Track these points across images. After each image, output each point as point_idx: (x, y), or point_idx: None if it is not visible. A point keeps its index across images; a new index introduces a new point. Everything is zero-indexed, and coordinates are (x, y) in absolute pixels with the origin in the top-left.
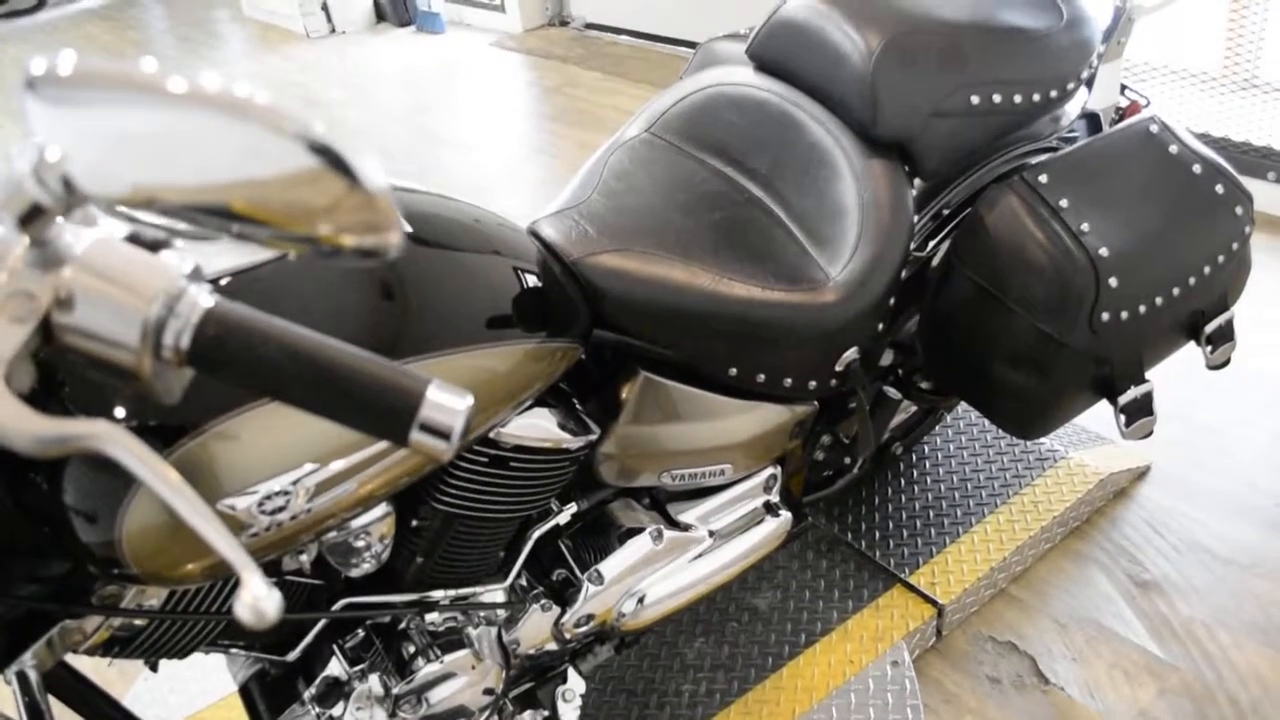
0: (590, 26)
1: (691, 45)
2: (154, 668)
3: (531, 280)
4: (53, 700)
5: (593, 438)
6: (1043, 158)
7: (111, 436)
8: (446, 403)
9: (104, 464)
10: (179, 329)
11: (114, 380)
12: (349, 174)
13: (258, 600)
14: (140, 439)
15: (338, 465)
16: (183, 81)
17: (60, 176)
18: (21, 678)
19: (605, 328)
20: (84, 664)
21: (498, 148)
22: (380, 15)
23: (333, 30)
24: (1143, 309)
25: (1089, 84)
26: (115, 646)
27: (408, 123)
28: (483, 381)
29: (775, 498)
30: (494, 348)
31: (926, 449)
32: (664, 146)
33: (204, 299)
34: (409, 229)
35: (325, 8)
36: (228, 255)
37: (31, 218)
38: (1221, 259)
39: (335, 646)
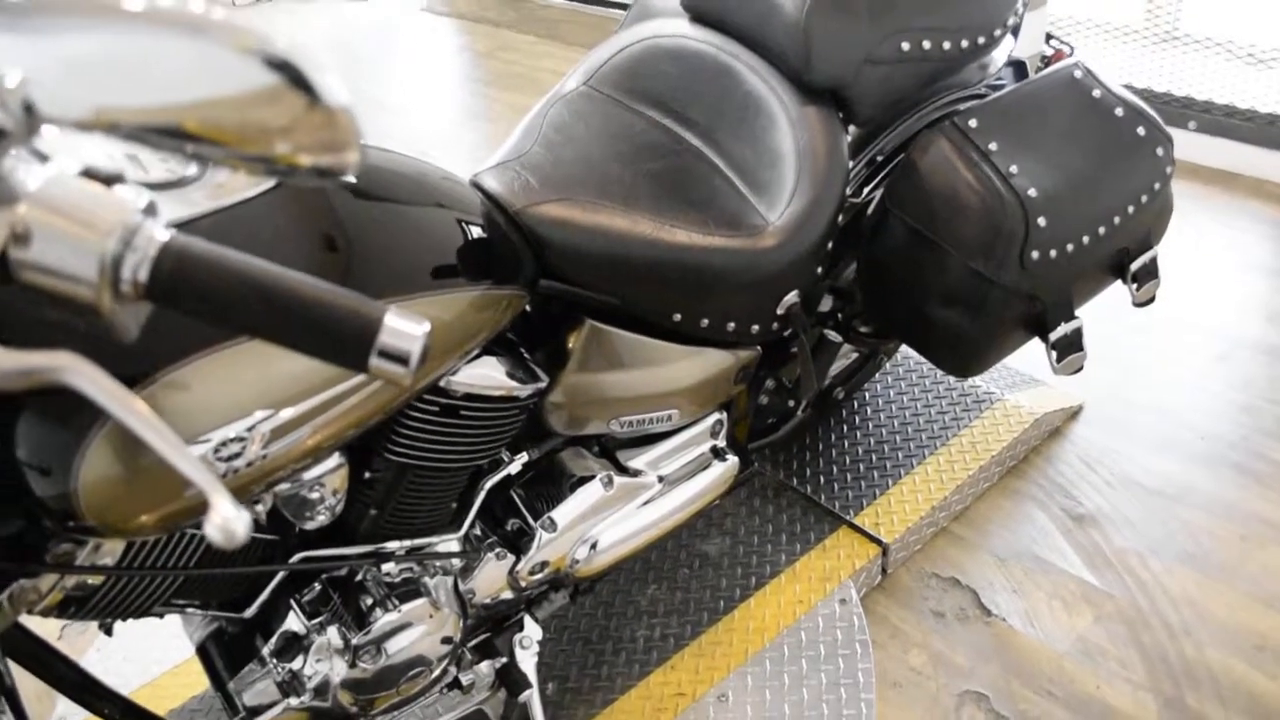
0: None
1: (624, 7)
2: (108, 631)
3: (475, 230)
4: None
5: (541, 385)
6: (972, 104)
7: (74, 367)
8: (404, 328)
9: (57, 415)
10: (136, 262)
11: (73, 317)
12: (310, 91)
13: (227, 520)
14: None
15: (292, 411)
16: (140, 1)
17: (21, 101)
18: None
19: (550, 277)
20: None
21: (432, 113)
22: None
23: None
24: (1070, 247)
25: (1015, 32)
26: (71, 607)
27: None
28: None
29: (722, 443)
30: (440, 295)
31: (867, 395)
32: (602, 99)
33: (160, 232)
34: (352, 180)
35: None
36: (171, 207)
37: None
38: (1145, 199)
39: (292, 601)
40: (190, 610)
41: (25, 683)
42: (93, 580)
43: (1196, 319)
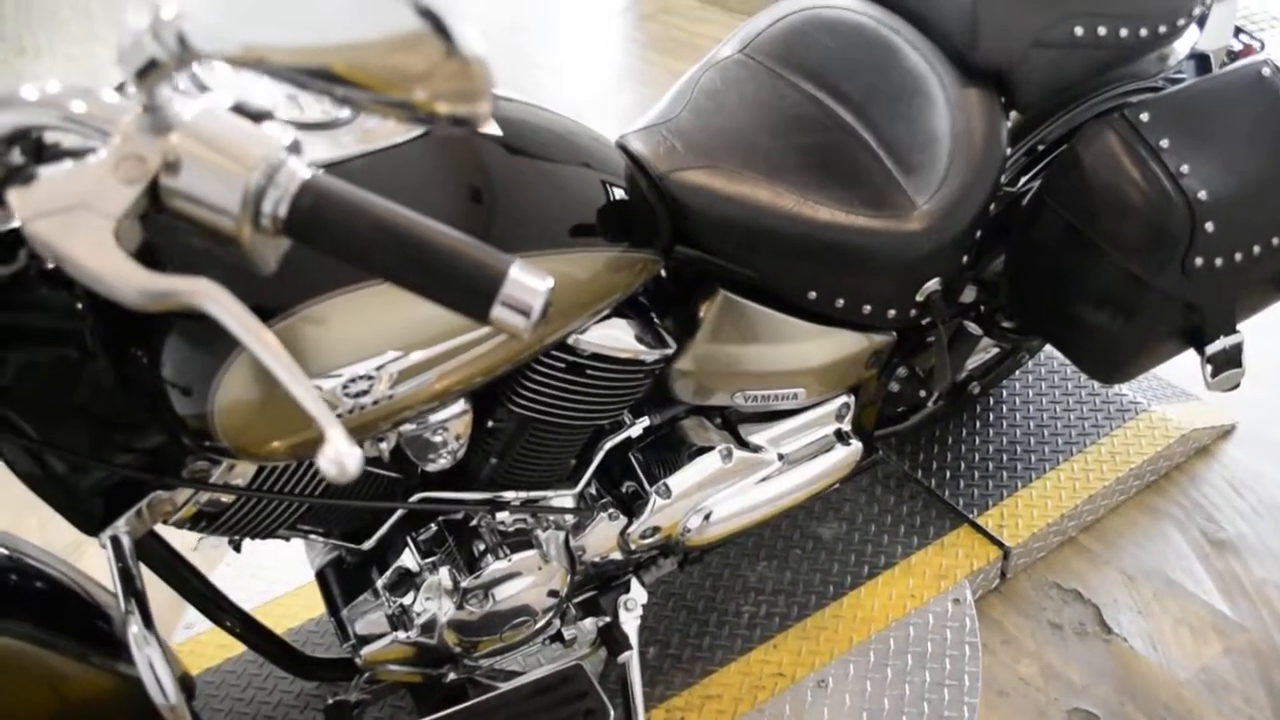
0: None
1: None
2: (238, 548)
3: (617, 192)
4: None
5: (668, 352)
6: (1146, 96)
7: (211, 294)
8: (528, 282)
9: (200, 338)
10: (278, 198)
11: (214, 246)
12: (448, 39)
13: (340, 455)
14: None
15: (421, 355)
16: None
17: (175, 33)
18: (115, 542)
19: (687, 244)
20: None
21: (590, 72)
22: None
23: None
24: (1239, 257)
25: (1201, 23)
26: (202, 521)
27: (502, 41)
28: (562, 286)
29: (847, 426)
30: (576, 253)
31: (1004, 392)
32: (757, 68)
33: (302, 170)
34: (500, 133)
35: None
36: (321, 147)
37: (147, 72)
38: None
39: (409, 538)
40: (313, 537)
41: (156, 590)
42: (224, 498)
43: None
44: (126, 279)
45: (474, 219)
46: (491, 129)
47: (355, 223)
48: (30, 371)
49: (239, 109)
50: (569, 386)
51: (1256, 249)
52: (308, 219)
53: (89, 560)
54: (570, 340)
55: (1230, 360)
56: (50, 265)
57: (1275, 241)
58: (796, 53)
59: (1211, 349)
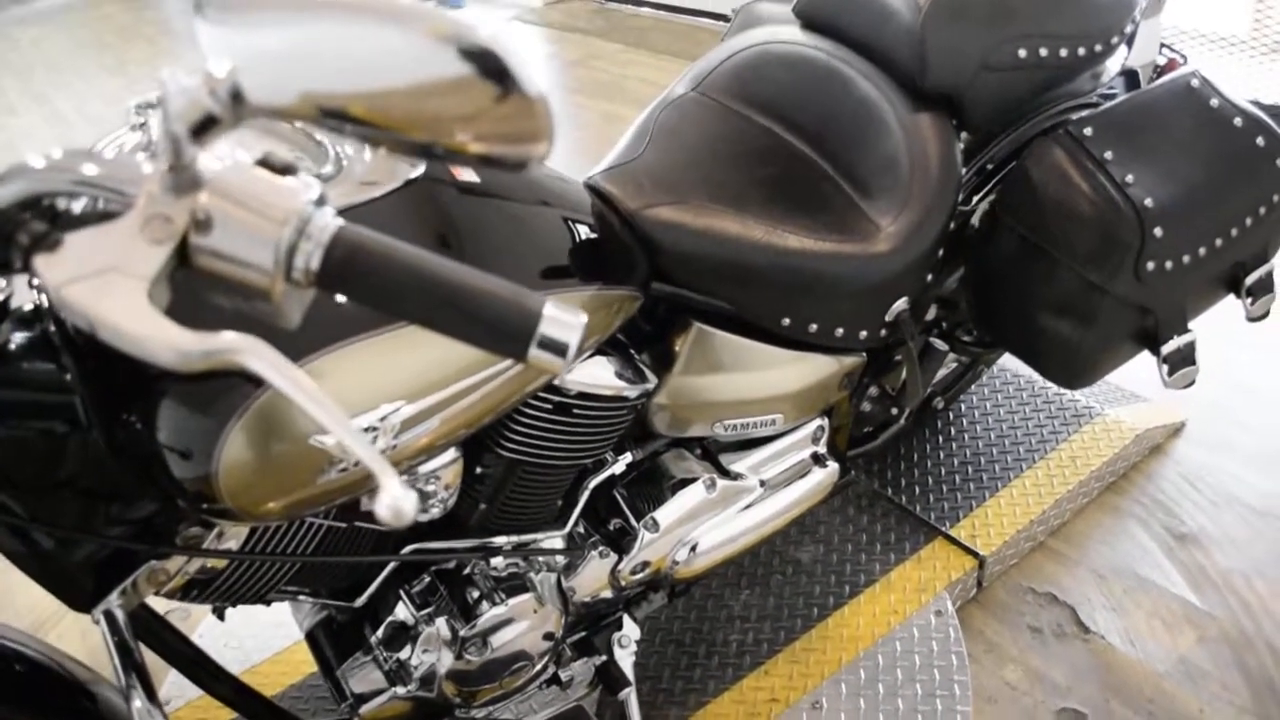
0: None
1: (714, 16)
2: (221, 615)
3: (592, 232)
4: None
5: (650, 386)
6: (1086, 112)
7: (255, 349)
8: (563, 319)
9: (200, 399)
10: (310, 251)
11: (242, 302)
12: (507, 81)
13: (396, 500)
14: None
15: (422, 404)
16: None
17: (230, 88)
18: (109, 617)
19: (661, 279)
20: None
21: None
22: None
23: None
24: (1186, 259)
25: (1129, 41)
26: (194, 590)
27: None
28: None
29: (823, 449)
30: (561, 294)
31: (964, 406)
32: (712, 105)
33: (332, 222)
34: (478, 179)
35: None
36: None
37: (205, 128)
38: (1263, 211)
39: (402, 591)
40: (302, 598)
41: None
42: (215, 564)
43: None
44: (167, 340)
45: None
46: (469, 175)
47: (389, 270)
48: (15, 448)
49: (265, 162)
50: (556, 427)
51: (1202, 250)
52: (341, 270)
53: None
54: (556, 381)
55: (1185, 359)
56: (33, 335)
57: (1219, 242)
58: (750, 88)
59: (1167, 349)
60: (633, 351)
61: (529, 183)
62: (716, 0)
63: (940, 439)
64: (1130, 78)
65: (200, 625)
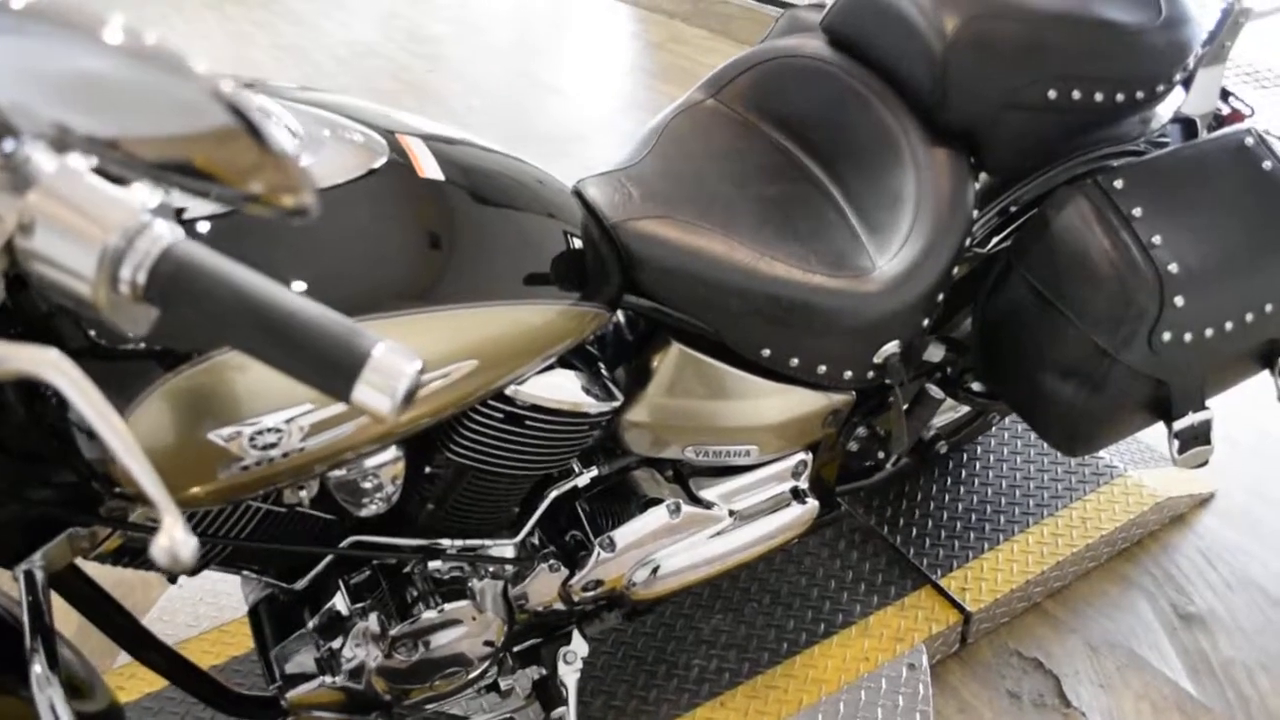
0: None
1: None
2: (173, 580)
3: (568, 240)
4: (61, 602)
5: (615, 405)
6: (1123, 161)
7: (57, 365)
8: (393, 364)
9: (105, 381)
10: (137, 263)
11: (78, 310)
12: (258, 137)
13: (174, 544)
14: (86, 374)
15: (335, 408)
16: (119, 30)
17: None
18: (28, 576)
19: (639, 294)
20: (107, 569)
21: (594, 98)
22: None
23: None
24: (1209, 332)
25: (1186, 86)
26: (125, 556)
27: (510, 64)
28: (502, 337)
29: (804, 484)
30: (520, 305)
31: (979, 449)
32: (727, 114)
33: (166, 235)
34: (456, 179)
35: None
36: None
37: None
38: None
39: (341, 581)
40: (247, 573)
41: (89, 631)
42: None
43: None
44: None
45: (421, 266)
46: (433, 173)
47: (218, 291)
48: None
49: (103, 170)
50: (508, 437)
51: (1229, 325)
52: (168, 286)
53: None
54: (509, 390)
55: (1198, 437)
56: None
57: (1249, 318)
58: (767, 100)
59: (1179, 425)
60: (602, 366)
61: (506, 182)
62: None
63: (949, 480)
64: (1188, 126)
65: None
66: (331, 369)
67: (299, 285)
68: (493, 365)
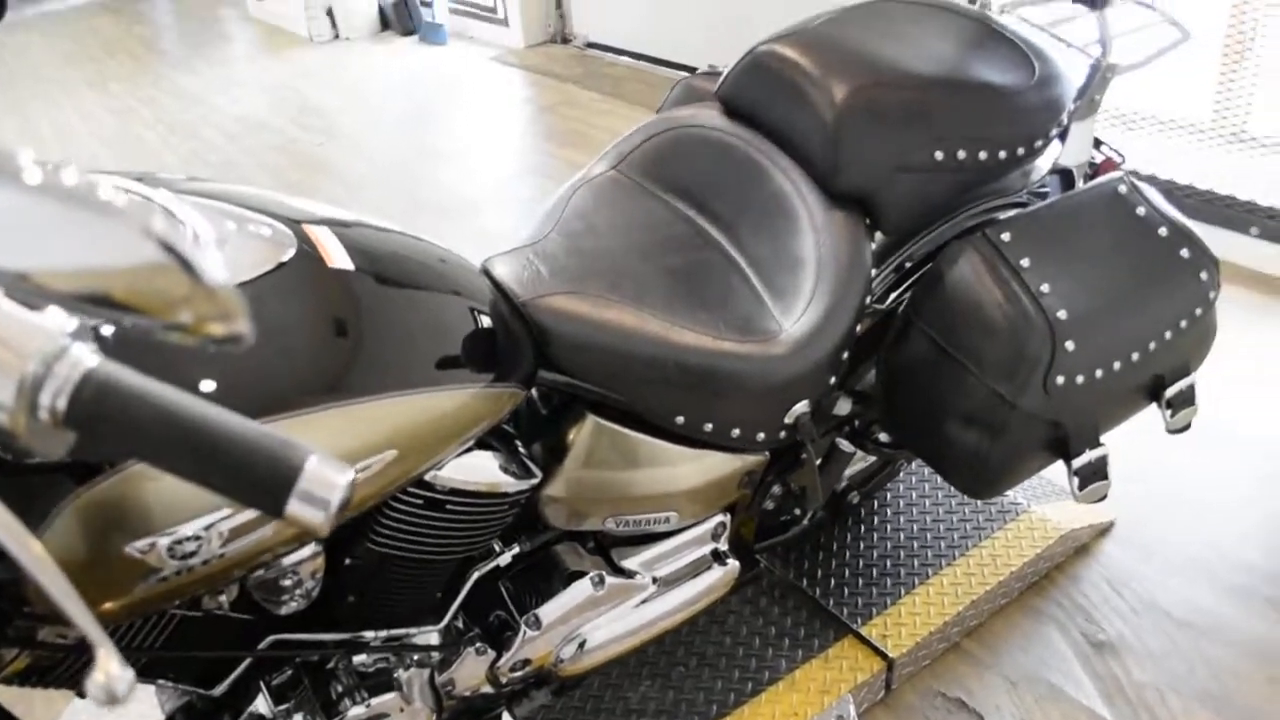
0: (591, 45)
1: (689, 69)
2: (82, 694)
3: (480, 321)
4: None
5: (533, 482)
6: (1008, 214)
7: None
8: (326, 476)
9: (15, 498)
10: (56, 389)
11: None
12: (191, 269)
13: (110, 680)
14: (6, 506)
15: (253, 512)
16: (38, 173)
17: None
18: None
19: (554, 369)
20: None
21: (491, 164)
22: (385, 24)
23: (336, 36)
24: (1099, 373)
25: (1062, 139)
26: (34, 675)
27: (404, 133)
28: (420, 424)
29: (723, 546)
30: (437, 391)
31: (888, 496)
32: (629, 185)
33: (87, 360)
34: (365, 266)
35: (330, 13)
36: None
37: None
38: (1184, 324)
39: (262, 683)
40: (161, 682)
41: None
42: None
43: (1249, 436)
44: None
45: (331, 358)
46: (343, 262)
47: (140, 415)
48: None
49: (18, 294)
50: (429, 523)
51: (1117, 365)
52: (90, 411)
53: None
54: (428, 476)
55: (1096, 473)
56: None
57: (1135, 356)
58: (668, 170)
59: (1078, 463)
60: (519, 444)
61: (416, 265)
62: (692, 54)
63: (862, 529)
64: (1065, 176)
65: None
66: (263, 486)
67: (211, 386)
68: (412, 454)
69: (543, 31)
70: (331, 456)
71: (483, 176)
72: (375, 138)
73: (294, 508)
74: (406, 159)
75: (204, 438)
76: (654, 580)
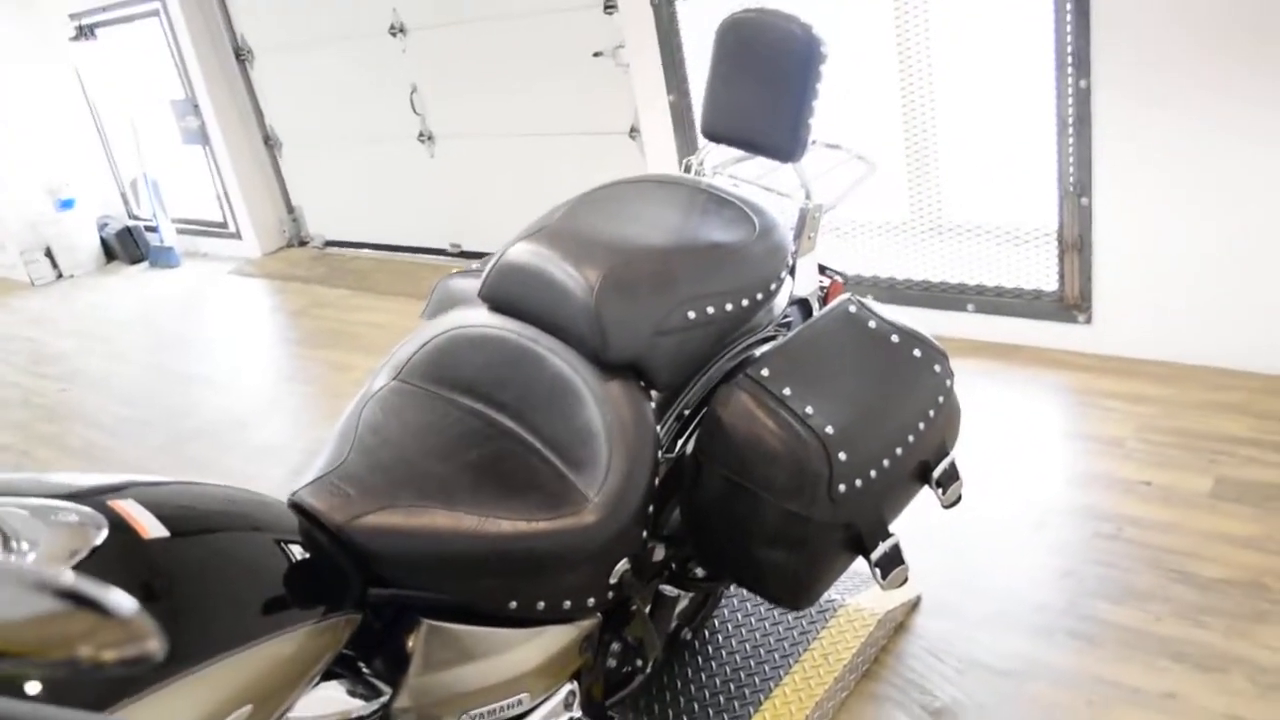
0: (330, 244)
1: (431, 252)
2: None
3: (299, 556)
4: None
5: (384, 700)
6: (763, 349)
7: None
8: None
9: None
10: None
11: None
12: (102, 609)
13: None
14: None
15: None
16: None
17: None
18: None
19: (381, 584)
20: None
21: (250, 379)
22: (110, 254)
23: (60, 276)
24: (873, 473)
25: (792, 274)
26: None
27: (150, 364)
28: (266, 674)
29: (577, 712)
30: (275, 638)
31: (716, 623)
32: (413, 392)
33: None
34: (180, 530)
35: (49, 254)
36: None
37: None
38: (932, 413)
39: None
40: None
41: None
42: None
43: (1009, 490)
44: None
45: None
46: (157, 531)
47: None
48: None
49: None
50: None
51: (886, 462)
52: None
53: None
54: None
55: (893, 560)
56: None
57: (899, 451)
58: (449, 371)
59: (875, 555)
60: (362, 664)
61: (233, 516)
62: (433, 236)
63: (699, 660)
64: (803, 305)
65: None
66: None
67: (39, 689)
68: (265, 702)
69: (278, 237)
70: None
71: (244, 393)
72: (122, 373)
73: None
74: (159, 390)
75: None
76: None
